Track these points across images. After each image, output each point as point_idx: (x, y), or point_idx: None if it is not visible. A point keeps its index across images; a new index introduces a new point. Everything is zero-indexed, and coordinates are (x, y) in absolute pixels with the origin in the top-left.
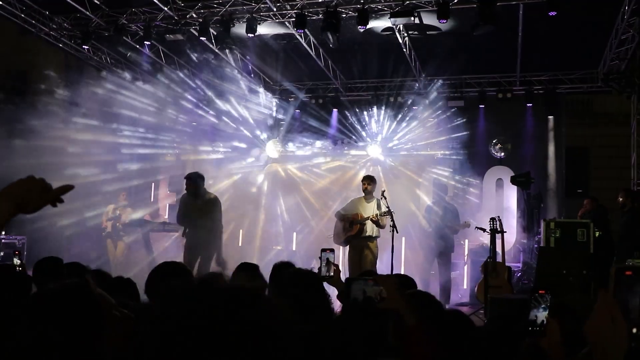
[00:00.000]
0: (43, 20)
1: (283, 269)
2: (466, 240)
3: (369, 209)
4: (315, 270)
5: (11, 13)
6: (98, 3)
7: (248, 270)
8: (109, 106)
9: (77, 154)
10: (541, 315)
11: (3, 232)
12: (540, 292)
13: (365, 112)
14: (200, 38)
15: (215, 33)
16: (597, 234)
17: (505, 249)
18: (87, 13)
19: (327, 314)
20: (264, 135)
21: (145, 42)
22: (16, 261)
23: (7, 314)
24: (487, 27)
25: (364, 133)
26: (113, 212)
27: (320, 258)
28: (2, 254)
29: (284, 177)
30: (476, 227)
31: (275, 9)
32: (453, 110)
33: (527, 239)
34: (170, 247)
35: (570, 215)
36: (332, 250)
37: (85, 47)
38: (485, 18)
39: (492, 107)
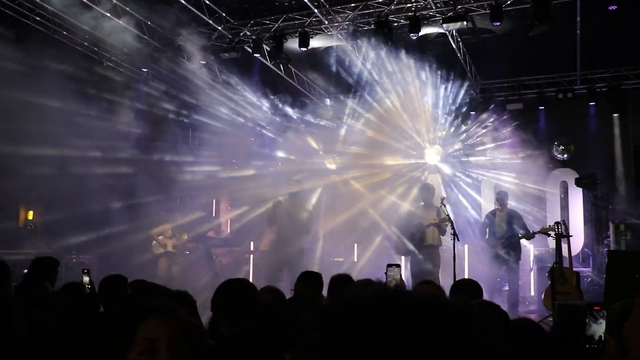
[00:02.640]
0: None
1: (341, 281)
2: (531, 246)
3: (429, 218)
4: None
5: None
6: (154, 26)
7: (310, 279)
8: None
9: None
10: (599, 331)
11: (74, 252)
12: (595, 308)
13: (421, 119)
14: (254, 55)
15: (268, 49)
16: None
17: (572, 254)
18: (145, 37)
19: None
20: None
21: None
22: (85, 279)
23: (77, 330)
24: (543, 26)
25: (420, 140)
26: (172, 232)
27: (386, 274)
28: (73, 273)
29: (343, 187)
30: (541, 232)
31: (326, 22)
32: (512, 113)
33: (595, 243)
34: (232, 262)
35: None
36: (397, 266)
37: (144, 70)
38: (540, 18)
39: (552, 108)
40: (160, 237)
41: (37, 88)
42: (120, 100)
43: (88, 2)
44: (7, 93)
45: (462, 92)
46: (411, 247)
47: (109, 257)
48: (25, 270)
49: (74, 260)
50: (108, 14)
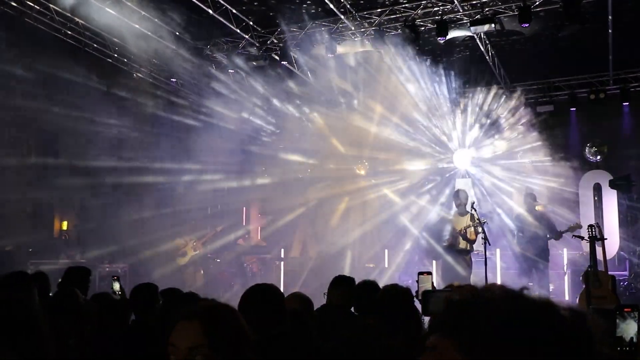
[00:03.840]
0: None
1: (366, 288)
2: (564, 249)
3: (462, 223)
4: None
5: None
6: (183, 37)
7: (344, 284)
8: None
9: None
10: (629, 332)
11: (106, 261)
12: (626, 309)
13: (450, 122)
14: (282, 62)
15: (295, 56)
16: None
17: (607, 257)
18: (173, 47)
19: (418, 328)
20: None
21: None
22: (115, 286)
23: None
24: (574, 26)
25: (449, 144)
26: (186, 242)
27: (417, 281)
28: (106, 282)
29: (372, 192)
30: (574, 235)
31: (353, 28)
32: (542, 115)
33: (631, 246)
34: (262, 269)
35: None
36: (429, 274)
37: (173, 80)
38: (571, 18)
39: (584, 109)
40: (179, 252)
41: (68, 100)
42: (151, 110)
43: (118, 15)
44: (39, 105)
45: (492, 94)
46: (441, 250)
47: (140, 265)
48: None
49: (106, 269)
50: (137, 25)
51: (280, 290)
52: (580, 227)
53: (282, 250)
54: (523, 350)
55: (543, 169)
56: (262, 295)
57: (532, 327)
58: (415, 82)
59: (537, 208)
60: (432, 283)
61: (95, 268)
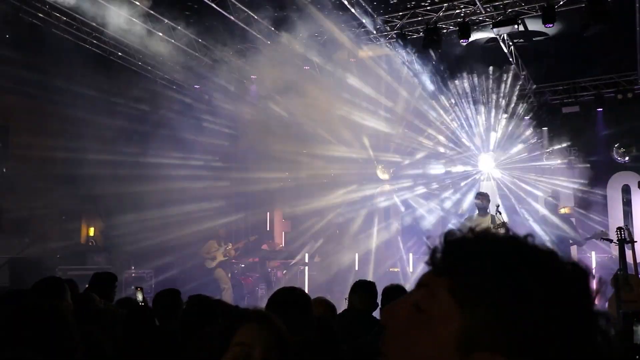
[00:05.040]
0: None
1: (394, 292)
2: (593, 252)
3: (484, 226)
4: None
5: None
6: (205, 43)
7: (364, 288)
8: None
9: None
10: None
11: (133, 267)
12: None
13: (473, 125)
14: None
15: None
16: None
17: (638, 260)
18: (196, 54)
19: None
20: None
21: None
22: (139, 297)
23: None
24: (599, 26)
25: (473, 147)
26: (218, 244)
27: None
28: (132, 288)
29: (397, 197)
30: (602, 238)
31: (375, 32)
32: (568, 116)
33: None
34: (286, 274)
35: None
36: None
37: (197, 86)
38: (596, 17)
39: (611, 110)
40: (209, 254)
41: (93, 107)
42: (175, 116)
43: (143, 25)
44: (68, 112)
45: (515, 96)
46: None
47: (167, 270)
48: (86, 286)
49: (133, 275)
50: (160, 33)
51: (306, 293)
52: (606, 234)
53: (306, 254)
54: (516, 295)
55: (569, 171)
56: (289, 299)
57: (531, 272)
58: (436, 84)
59: (561, 211)
60: None
61: (122, 273)
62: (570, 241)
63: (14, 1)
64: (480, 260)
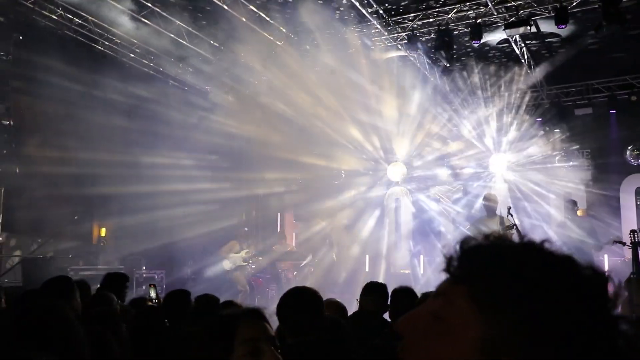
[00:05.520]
0: None
1: (403, 295)
2: (605, 256)
3: (492, 228)
4: None
5: None
6: (216, 45)
7: (376, 290)
8: None
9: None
10: None
11: (144, 267)
12: None
13: (485, 127)
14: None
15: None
16: None
17: None
18: (209, 56)
19: None
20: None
21: None
22: (152, 294)
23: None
24: (613, 27)
25: (484, 149)
26: (240, 246)
27: None
28: (143, 287)
29: (407, 197)
30: (615, 241)
31: (386, 33)
32: (580, 118)
33: None
34: (297, 276)
35: None
36: None
37: (208, 87)
38: (609, 18)
39: (624, 111)
40: (231, 255)
41: (104, 108)
42: (185, 117)
43: (157, 27)
44: (80, 113)
45: (528, 98)
46: None
47: (178, 271)
48: (98, 286)
49: (144, 275)
50: (171, 35)
51: (319, 294)
52: (621, 241)
53: (317, 256)
54: (538, 301)
55: (582, 173)
56: (301, 299)
57: (551, 278)
58: (448, 85)
59: (578, 213)
60: None
61: (133, 274)
62: (592, 245)
63: (26, 3)
64: (499, 267)
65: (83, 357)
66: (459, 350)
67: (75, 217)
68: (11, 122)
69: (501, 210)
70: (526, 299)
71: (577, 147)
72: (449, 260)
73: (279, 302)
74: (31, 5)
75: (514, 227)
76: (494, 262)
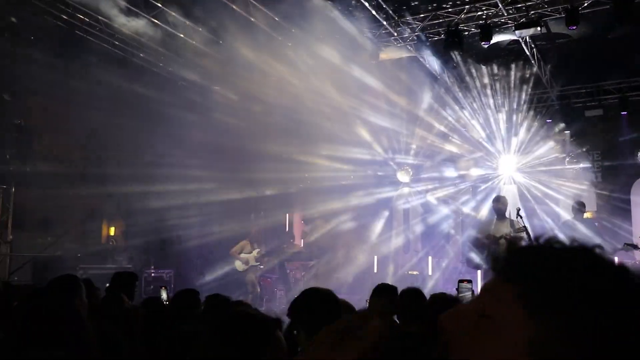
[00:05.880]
0: None
1: (411, 296)
2: (615, 258)
3: (502, 230)
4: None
5: None
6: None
7: (386, 292)
8: None
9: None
10: None
11: (152, 267)
12: None
13: (494, 128)
14: None
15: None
16: None
17: None
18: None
19: None
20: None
21: None
22: (163, 295)
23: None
24: (625, 27)
25: (494, 150)
26: (251, 246)
27: (457, 289)
28: (151, 287)
29: (417, 200)
30: (625, 244)
31: (395, 34)
32: (591, 120)
33: None
34: (305, 276)
35: None
36: (469, 281)
37: (216, 87)
38: (621, 18)
39: (636, 113)
40: (242, 255)
41: (113, 107)
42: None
43: (171, 30)
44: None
45: (537, 99)
46: (480, 261)
47: (187, 271)
48: (107, 285)
49: (152, 275)
50: (182, 35)
51: (334, 294)
52: (634, 244)
53: (325, 257)
54: (591, 305)
55: (592, 176)
56: (320, 298)
57: (603, 283)
58: (457, 87)
59: (585, 216)
60: (473, 291)
61: (142, 273)
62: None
63: (40, 3)
64: (552, 269)
65: (92, 354)
66: (508, 348)
67: (84, 217)
68: (22, 122)
69: (510, 212)
70: (580, 304)
71: (587, 148)
72: (494, 258)
73: (293, 302)
74: (43, 5)
75: (525, 229)
76: (547, 264)
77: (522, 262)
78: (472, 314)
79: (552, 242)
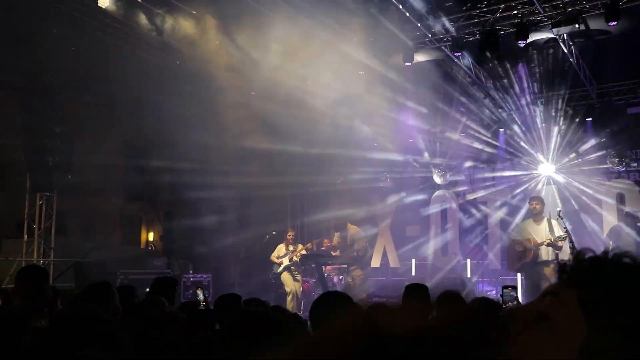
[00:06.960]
0: None
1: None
2: None
3: (540, 232)
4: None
5: None
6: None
7: (417, 291)
8: None
9: None
10: None
11: (191, 271)
12: None
13: (533, 129)
14: None
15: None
16: None
17: None
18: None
19: None
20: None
21: None
22: (200, 296)
23: (195, 347)
24: None
25: (532, 151)
26: (287, 248)
27: (501, 295)
28: (190, 292)
29: (453, 202)
30: (626, 212)
31: (430, 35)
32: (633, 117)
33: None
34: (343, 280)
35: None
36: (514, 288)
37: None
38: None
39: None
40: (279, 259)
41: (153, 115)
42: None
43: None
44: (130, 120)
45: (577, 97)
46: (518, 265)
47: (225, 275)
48: (147, 290)
49: (191, 279)
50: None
51: (349, 296)
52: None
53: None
54: None
55: (636, 174)
56: (334, 300)
57: None
58: (493, 87)
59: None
60: (518, 297)
61: (180, 278)
62: None
63: (82, 16)
64: (617, 279)
65: (124, 355)
66: (562, 350)
67: (124, 223)
68: (62, 130)
69: (549, 213)
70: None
71: (630, 146)
72: (562, 266)
73: (312, 306)
74: (87, 19)
75: (566, 231)
76: (612, 274)
77: (588, 270)
78: (530, 312)
79: (623, 255)
